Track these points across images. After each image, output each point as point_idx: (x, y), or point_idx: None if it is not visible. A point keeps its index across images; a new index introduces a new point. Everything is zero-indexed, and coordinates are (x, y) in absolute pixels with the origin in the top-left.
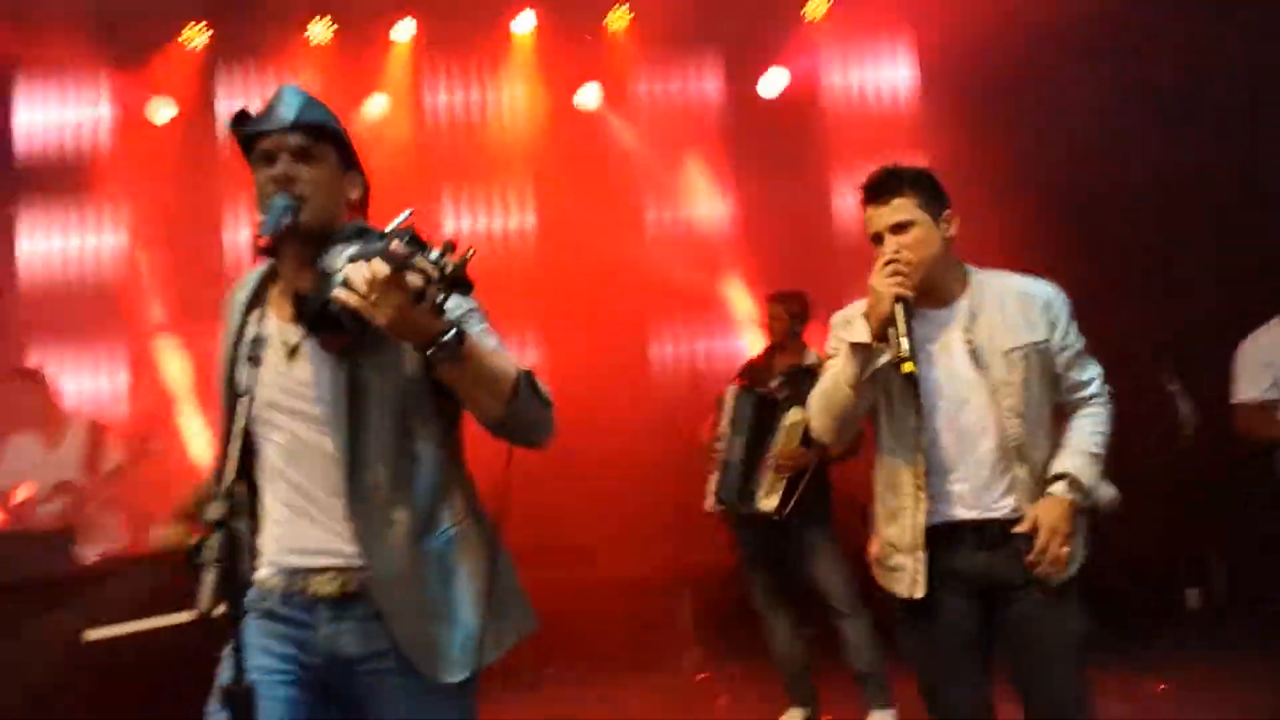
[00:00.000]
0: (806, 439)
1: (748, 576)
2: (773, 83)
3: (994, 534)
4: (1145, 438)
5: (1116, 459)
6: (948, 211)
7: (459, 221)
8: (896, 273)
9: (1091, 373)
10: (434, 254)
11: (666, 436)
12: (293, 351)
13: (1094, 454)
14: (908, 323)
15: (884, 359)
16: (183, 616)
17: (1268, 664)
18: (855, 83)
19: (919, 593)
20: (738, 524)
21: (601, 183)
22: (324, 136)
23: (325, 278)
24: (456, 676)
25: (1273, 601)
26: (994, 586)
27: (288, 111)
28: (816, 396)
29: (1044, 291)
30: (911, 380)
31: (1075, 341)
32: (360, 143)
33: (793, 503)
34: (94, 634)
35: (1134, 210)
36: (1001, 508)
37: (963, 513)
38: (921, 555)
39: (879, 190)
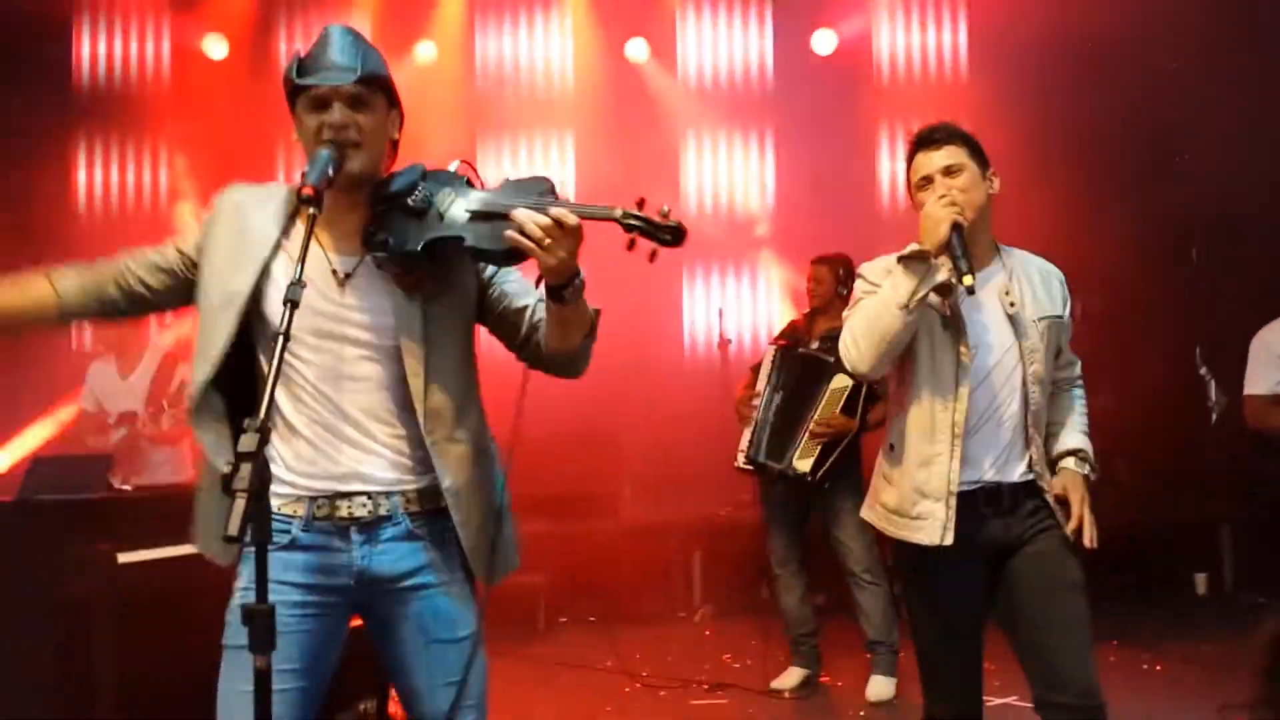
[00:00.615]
0: (849, 406)
1: (769, 534)
2: (824, 41)
3: (1011, 499)
4: (1169, 420)
5: (1141, 439)
6: (992, 171)
7: (498, 171)
8: (954, 201)
9: (1074, 355)
10: (663, 208)
11: (694, 395)
12: (344, 280)
13: (1087, 431)
14: (963, 244)
15: (942, 275)
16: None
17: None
18: (906, 45)
19: (949, 539)
20: (765, 481)
21: (643, 138)
22: (377, 83)
23: (433, 217)
24: (498, 579)
25: (1274, 592)
26: (1005, 550)
27: (347, 60)
28: (858, 322)
29: (1056, 270)
30: (960, 310)
31: (1070, 322)
32: (405, 87)
33: (826, 467)
34: (126, 557)
35: (1184, 184)
36: (1020, 473)
37: (989, 474)
38: (954, 503)
39: (932, 135)
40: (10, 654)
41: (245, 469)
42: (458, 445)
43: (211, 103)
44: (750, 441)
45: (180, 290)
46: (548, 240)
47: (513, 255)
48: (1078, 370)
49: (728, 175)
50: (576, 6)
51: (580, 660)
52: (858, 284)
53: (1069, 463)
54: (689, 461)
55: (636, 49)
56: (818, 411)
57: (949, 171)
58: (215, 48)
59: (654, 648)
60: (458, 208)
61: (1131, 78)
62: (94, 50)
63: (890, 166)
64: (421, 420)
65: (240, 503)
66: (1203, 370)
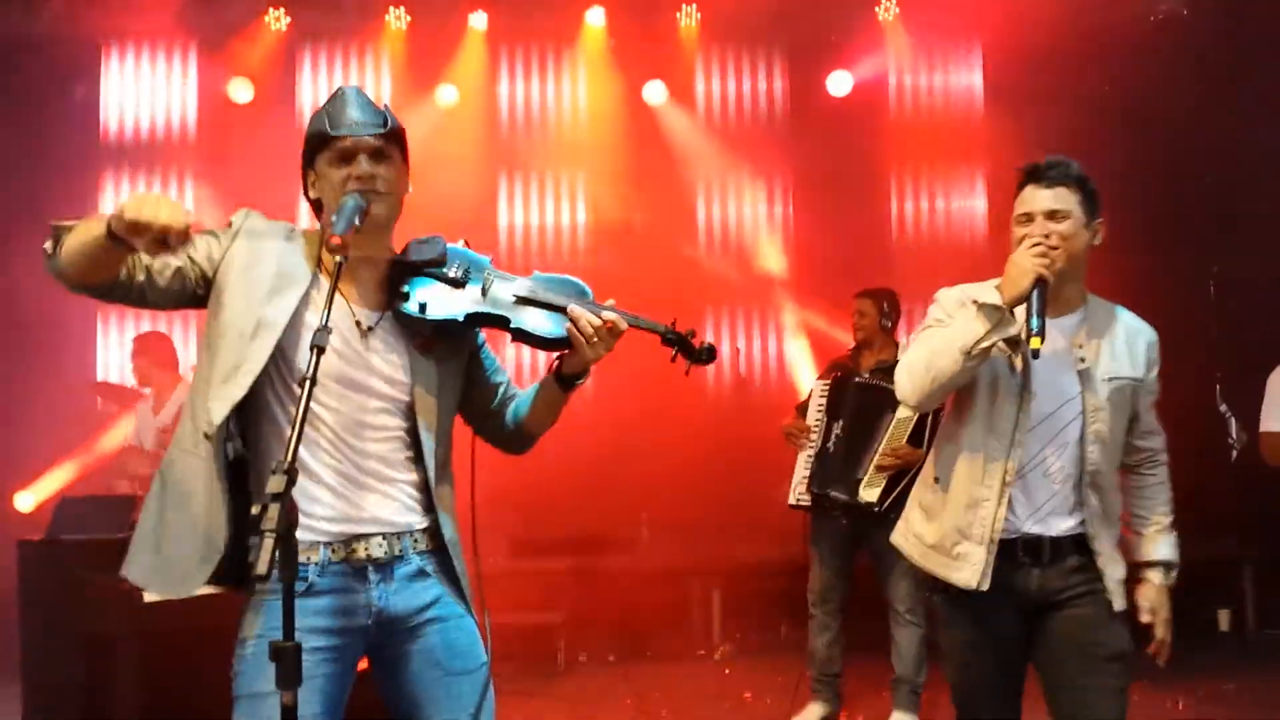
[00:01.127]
0: (915, 435)
1: (812, 571)
2: (840, 83)
3: (1052, 552)
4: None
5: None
6: (1099, 221)
7: (513, 214)
8: (1044, 254)
9: (1157, 424)
10: (689, 332)
11: (711, 434)
12: (367, 332)
13: (1173, 526)
14: (1042, 302)
15: (1014, 329)
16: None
17: None
18: (923, 86)
19: (985, 584)
20: (818, 516)
21: (660, 179)
22: (397, 138)
23: (475, 292)
24: (480, 608)
25: None
26: (1042, 604)
27: (369, 116)
28: (918, 355)
29: (1147, 331)
30: (1030, 360)
31: (1156, 388)
32: (427, 130)
33: (893, 497)
34: (151, 595)
35: (1201, 224)
36: (1064, 528)
37: (1031, 526)
38: (994, 549)
39: (1047, 171)
40: (40, 684)
41: (274, 509)
42: (449, 491)
43: (236, 145)
44: (811, 474)
45: (181, 297)
46: (595, 339)
47: (558, 344)
48: (1159, 443)
49: (744, 217)
50: (595, 49)
51: (599, 699)
52: (932, 308)
53: (1155, 576)
54: (708, 501)
55: (654, 92)
56: (884, 442)
57: (1053, 216)
58: (240, 92)
59: (673, 687)
60: (503, 290)
61: (1150, 119)
62: (121, 93)
63: (898, 208)
64: (431, 471)
65: (269, 542)
66: (1223, 407)
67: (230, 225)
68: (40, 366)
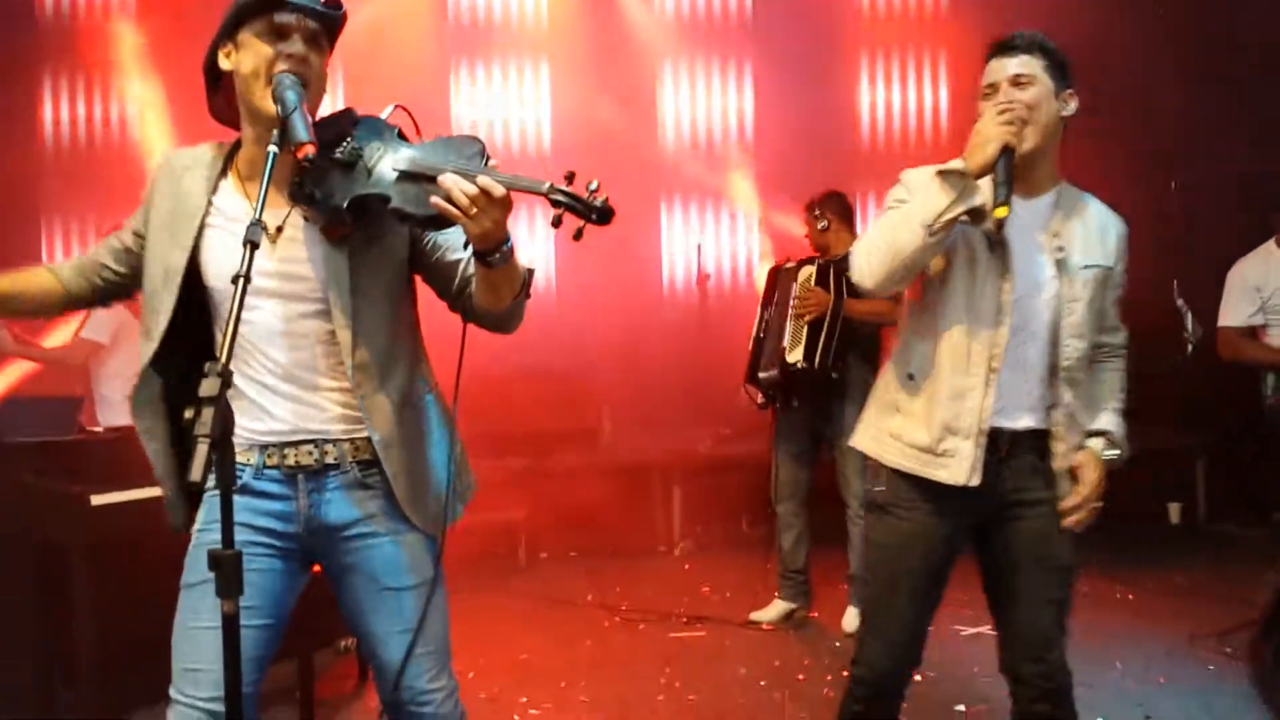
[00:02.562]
0: (821, 285)
1: (774, 468)
2: None
3: (1011, 445)
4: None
5: (1132, 374)
6: (1069, 90)
7: (473, 108)
8: (1011, 120)
9: (1120, 321)
10: (591, 184)
11: (673, 330)
12: (277, 233)
13: (1120, 409)
14: (1008, 171)
15: (979, 199)
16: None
17: (1232, 584)
18: None
19: (975, 479)
20: (780, 410)
21: (621, 69)
22: (332, 28)
23: (361, 171)
24: (438, 530)
25: (1246, 522)
26: (995, 505)
27: None
28: (876, 234)
29: (1117, 222)
30: (1000, 234)
31: (1123, 282)
32: (379, 15)
33: (820, 351)
34: (99, 498)
35: (1163, 115)
36: (1026, 423)
37: (1002, 420)
38: (984, 442)
39: (1010, 41)
40: None
41: (208, 413)
42: (384, 398)
43: (178, 30)
44: (749, 365)
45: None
46: (474, 209)
47: (436, 221)
48: (1122, 339)
49: (706, 108)
50: None
51: (561, 595)
52: (895, 190)
53: (1095, 443)
54: (669, 397)
55: None
56: (793, 301)
57: (1017, 82)
58: None
59: (634, 582)
60: (386, 164)
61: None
62: None
63: (870, 98)
64: (349, 373)
65: (203, 448)
66: (1180, 302)
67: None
68: None
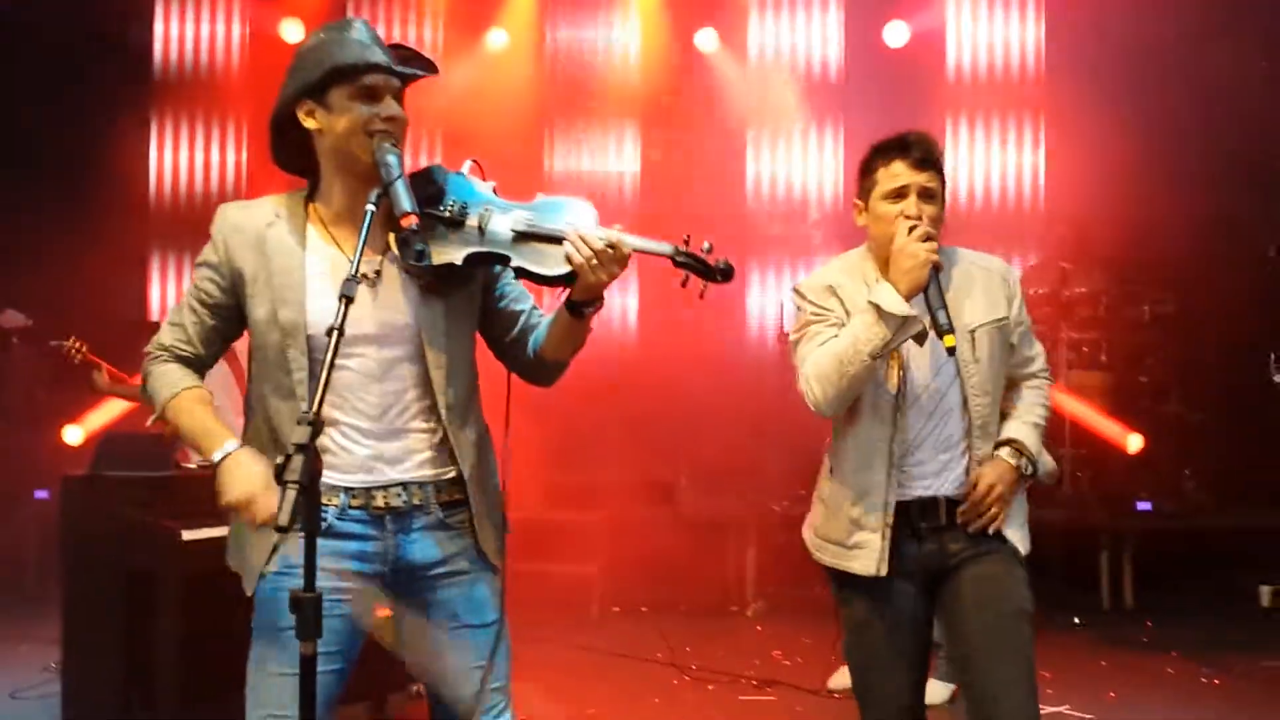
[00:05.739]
0: None
1: None
2: (896, 34)
3: (948, 511)
4: (1240, 427)
5: (1209, 446)
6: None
7: (564, 160)
8: (929, 237)
9: (1037, 348)
10: (705, 245)
11: (752, 384)
12: (375, 276)
13: (1038, 425)
14: (940, 295)
15: (918, 327)
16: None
17: None
18: (980, 39)
19: (884, 570)
20: None
21: (710, 128)
22: (409, 84)
23: (472, 230)
24: (502, 564)
25: None
26: (945, 566)
27: (386, 56)
28: (826, 365)
29: (1000, 266)
30: (951, 353)
31: (1025, 317)
32: (476, 74)
33: None
34: (190, 534)
35: (1263, 186)
36: (957, 486)
37: (922, 491)
38: (889, 534)
39: (923, 153)
40: (82, 618)
41: (297, 460)
42: (467, 436)
43: None
44: None
45: (241, 325)
46: (595, 261)
47: (563, 279)
48: (1039, 364)
49: (794, 167)
50: None
51: (631, 651)
52: (799, 303)
53: (1002, 452)
54: (747, 454)
55: (706, 39)
56: None
57: (928, 196)
58: (292, 32)
59: (705, 641)
60: (500, 225)
61: (1217, 77)
62: (170, 33)
63: (954, 160)
64: (443, 413)
65: (291, 493)
66: (1277, 377)
67: (212, 237)
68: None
